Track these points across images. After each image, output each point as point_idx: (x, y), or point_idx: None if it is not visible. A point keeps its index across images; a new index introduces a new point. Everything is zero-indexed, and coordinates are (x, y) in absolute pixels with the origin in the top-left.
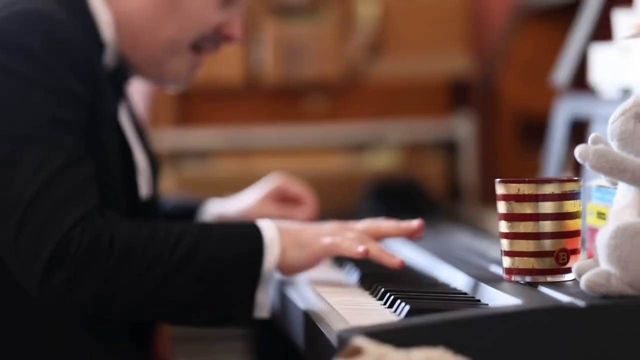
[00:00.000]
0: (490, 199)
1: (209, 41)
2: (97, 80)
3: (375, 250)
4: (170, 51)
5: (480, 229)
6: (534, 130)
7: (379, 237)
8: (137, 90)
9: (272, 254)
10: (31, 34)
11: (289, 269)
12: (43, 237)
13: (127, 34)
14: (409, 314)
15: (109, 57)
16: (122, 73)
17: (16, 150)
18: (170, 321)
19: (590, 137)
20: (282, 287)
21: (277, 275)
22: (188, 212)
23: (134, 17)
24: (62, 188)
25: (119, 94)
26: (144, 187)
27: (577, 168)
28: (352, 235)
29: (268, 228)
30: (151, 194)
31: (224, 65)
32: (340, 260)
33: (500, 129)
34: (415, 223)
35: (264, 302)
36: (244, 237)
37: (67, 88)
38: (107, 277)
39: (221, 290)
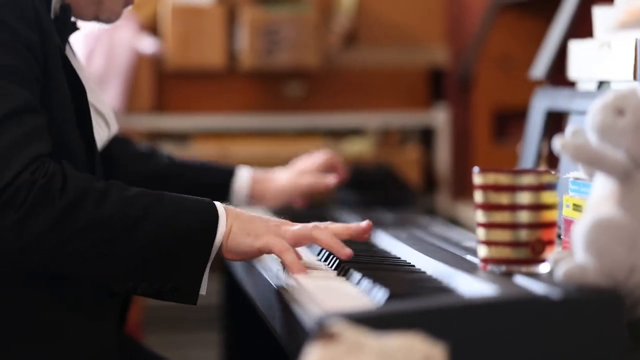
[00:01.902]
0: (464, 188)
1: None
2: (44, 27)
3: (326, 239)
4: None
5: (455, 218)
6: (509, 122)
7: (310, 241)
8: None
9: (219, 231)
10: None
11: (230, 252)
12: None
13: None
14: (387, 299)
15: (54, 3)
16: (66, 19)
17: None
18: (113, 284)
19: (569, 129)
20: (258, 270)
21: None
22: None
23: None
24: (11, 133)
25: (65, 41)
26: (101, 136)
27: (553, 160)
28: (301, 227)
29: (219, 206)
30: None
31: (205, 50)
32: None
33: (476, 119)
34: (363, 223)
35: (206, 280)
36: (198, 209)
37: (16, 36)
38: (57, 219)
39: (172, 260)
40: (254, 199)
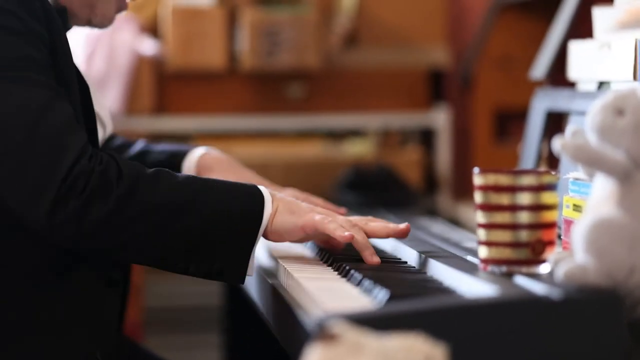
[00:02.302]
0: (465, 189)
1: None
2: (51, 23)
3: (361, 240)
4: None
5: (455, 219)
6: (509, 122)
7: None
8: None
9: (266, 212)
10: None
11: (274, 233)
12: (49, 170)
13: None
14: (388, 300)
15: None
16: (62, 19)
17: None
18: (167, 265)
19: (569, 129)
20: (259, 270)
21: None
22: (175, 156)
23: None
24: (56, 121)
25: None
26: (102, 130)
27: (553, 160)
28: (341, 219)
29: (264, 190)
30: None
31: (205, 52)
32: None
33: (476, 120)
34: (403, 225)
35: (253, 261)
36: (245, 193)
37: (30, 30)
38: (115, 206)
39: (220, 242)
40: None
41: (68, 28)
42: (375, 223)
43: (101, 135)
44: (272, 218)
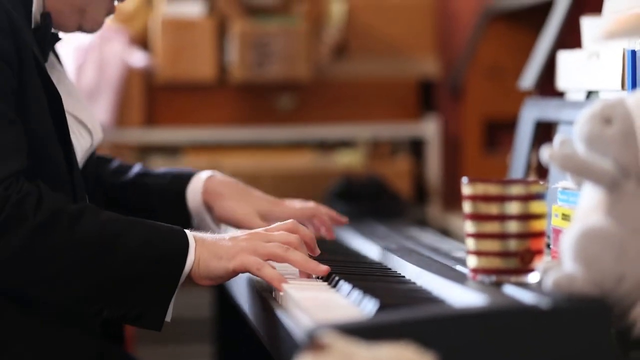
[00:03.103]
0: (455, 199)
1: None
2: (18, 34)
3: (301, 262)
4: None
5: (445, 229)
6: (499, 132)
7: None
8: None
9: (188, 261)
10: None
11: (204, 279)
12: None
13: None
14: (377, 310)
15: (35, 11)
16: (46, 28)
17: None
18: (80, 307)
19: (557, 139)
20: (249, 281)
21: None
22: (178, 180)
23: None
24: None
25: (46, 51)
26: (82, 145)
27: (542, 170)
28: (273, 247)
29: (189, 235)
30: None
31: (195, 63)
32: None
33: (466, 130)
34: (323, 268)
35: (171, 308)
36: (168, 238)
37: None
38: (28, 238)
39: (140, 287)
40: (207, 206)
41: (53, 36)
42: (295, 253)
43: (88, 142)
44: (197, 265)
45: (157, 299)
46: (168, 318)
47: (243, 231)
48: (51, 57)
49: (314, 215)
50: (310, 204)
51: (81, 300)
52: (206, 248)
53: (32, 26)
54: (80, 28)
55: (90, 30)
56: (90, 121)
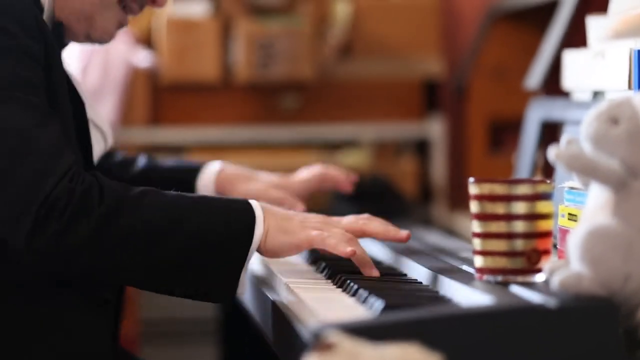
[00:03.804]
0: (460, 199)
1: (134, 0)
2: (46, 38)
3: (360, 254)
4: (99, 5)
5: (451, 229)
6: (504, 132)
7: (364, 236)
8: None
9: (257, 234)
10: None
11: (269, 252)
12: (29, 194)
13: None
14: (383, 310)
15: (46, 20)
16: (58, 37)
17: None
18: (151, 286)
19: (564, 138)
20: (255, 281)
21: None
22: (188, 172)
23: None
24: (41, 145)
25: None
26: (97, 150)
27: (548, 170)
28: (338, 232)
29: (256, 206)
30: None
31: (200, 64)
32: (308, 254)
33: (471, 130)
34: (404, 233)
35: (244, 281)
36: (236, 211)
37: (22, 47)
38: (96, 228)
39: (209, 263)
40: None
41: (65, 44)
42: (375, 223)
43: (102, 147)
44: (265, 238)
45: (226, 276)
46: (242, 292)
47: (315, 215)
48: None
49: (324, 178)
50: (317, 168)
51: (152, 281)
52: (274, 221)
53: None
54: (89, 38)
55: (100, 40)
56: (104, 126)
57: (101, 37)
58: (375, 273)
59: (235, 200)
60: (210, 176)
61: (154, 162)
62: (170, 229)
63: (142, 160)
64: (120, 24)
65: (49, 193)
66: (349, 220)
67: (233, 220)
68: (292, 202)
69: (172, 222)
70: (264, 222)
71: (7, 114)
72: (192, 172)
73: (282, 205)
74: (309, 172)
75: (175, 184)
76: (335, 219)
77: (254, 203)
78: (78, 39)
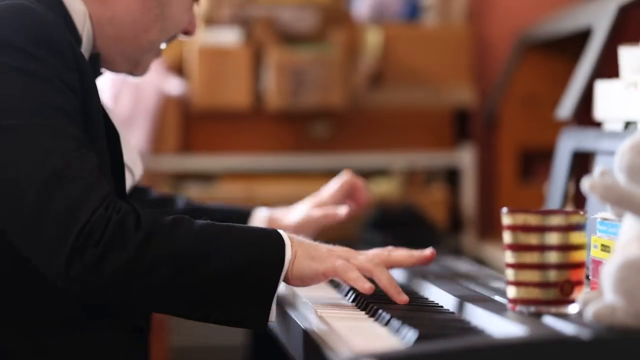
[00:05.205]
0: (490, 228)
1: (172, 37)
2: (82, 71)
3: (386, 280)
4: (147, 51)
5: (481, 258)
6: (534, 162)
7: (389, 266)
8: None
9: (286, 258)
10: (17, 28)
11: (295, 279)
12: (65, 224)
13: (109, 33)
14: (416, 340)
15: (83, 51)
16: (94, 68)
17: (21, 141)
18: (187, 314)
19: (598, 170)
20: (284, 308)
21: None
22: (237, 218)
23: (118, 20)
24: (78, 172)
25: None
26: (130, 177)
27: (580, 200)
28: (363, 259)
29: (283, 234)
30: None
31: (231, 91)
32: (340, 283)
33: (501, 159)
34: (427, 252)
35: (274, 307)
36: (265, 239)
37: (60, 78)
38: (133, 255)
39: (242, 289)
40: None
41: (100, 73)
42: (399, 252)
43: (129, 182)
44: (292, 264)
45: (259, 302)
46: (272, 318)
47: (341, 247)
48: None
49: (352, 186)
50: (344, 177)
51: (186, 308)
52: (301, 248)
53: None
54: (131, 74)
55: (140, 75)
56: (131, 159)
57: (142, 73)
58: (404, 298)
59: (264, 228)
60: (261, 223)
61: (195, 204)
62: (205, 255)
63: (180, 201)
64: (157, 57)
65: (86, 222)
66: (374, 252)
67: (264, 246)
68: (333, 212)
69: (206, 248)
70: (292, 247)
71: (41, 143)
72: (240, 218)
73: (327, 220)
74: (336, 183)
75: None
76: (360, 252)
77: (281, 231)
78: (118, 72)
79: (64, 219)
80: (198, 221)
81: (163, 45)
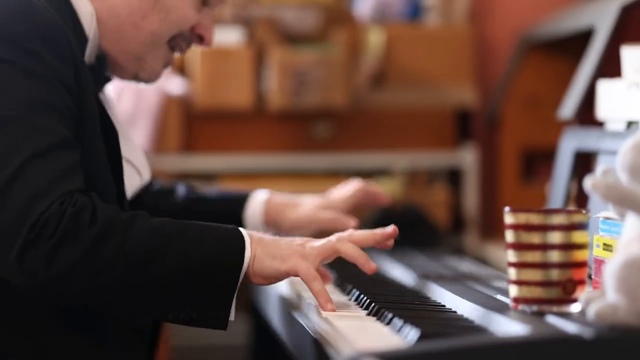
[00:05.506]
0: (492, 228)
1: (183, 39)
2: (78, 66)
3: (352, 251)
4: (150, 45)
5: (483, 258)
6: (537, 162)
7: (335, 256)
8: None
9: (246, 257)
10: (17, 24)
11: (257, 277)
12: (21, 216)
13: (110, 27)
14: (419, 339)
15: (89, 52)
16: (100, 69)
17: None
18: (143, 312)
19: (600, 169)
20: (288, 309)
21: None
22: (234, 203)
23: (117, 11)
24: (45, 169)
25: (99, 89)
26: (132, 184)
27: (582, 200)
28: (325, 244)
29: (243, 232)
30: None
31: (233, 91)
32: (342, 282)
33: (504, 159)
34: (389, 229)
35: (234, 306)
36: (223, 236)
37: (52, 72)
38: (86, 249)
39: (201, 287)
40: (270, 225)
41: (108, 77)
42: (360, 232)
43: (137, 180)
44: (252, 263)
45: (219, 298)
46: (232, 317)
47: (301, 238)
48: (106, 96)
49: (366, 193)
50: (357, 183)
51: (143, 307)
52: (261, 245)
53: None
54: (137, 77)
55: (147, 79)
56: (138, 161)
57: (149, 77)
58: (373, 266)
59: (224, 226)
60: (258, 206)
61: (196, 193)
62: (159, 254)
63: (181, 190)
64: (167, 63)
65: (41, 214)
66: (335, 235)
67: (223, 245)
68: (343, 220)
69: (162, 246)
70: (252, 246)
71: (17, 136)
72: (238, 203)
73: (334, 225)
74: (350, 189)
75: (221, 216)
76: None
77: (241, 229)
78: (125, 77)
79: (20, 212)
80: (156, 218)
81: (173, 58)
